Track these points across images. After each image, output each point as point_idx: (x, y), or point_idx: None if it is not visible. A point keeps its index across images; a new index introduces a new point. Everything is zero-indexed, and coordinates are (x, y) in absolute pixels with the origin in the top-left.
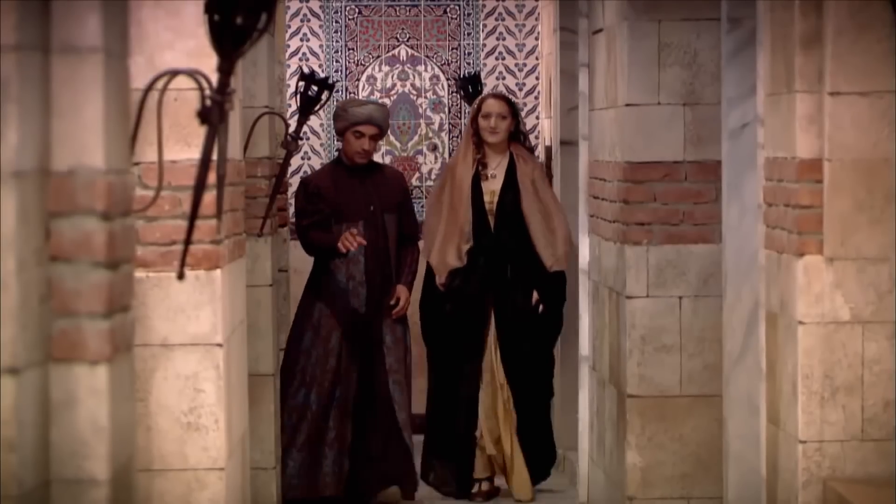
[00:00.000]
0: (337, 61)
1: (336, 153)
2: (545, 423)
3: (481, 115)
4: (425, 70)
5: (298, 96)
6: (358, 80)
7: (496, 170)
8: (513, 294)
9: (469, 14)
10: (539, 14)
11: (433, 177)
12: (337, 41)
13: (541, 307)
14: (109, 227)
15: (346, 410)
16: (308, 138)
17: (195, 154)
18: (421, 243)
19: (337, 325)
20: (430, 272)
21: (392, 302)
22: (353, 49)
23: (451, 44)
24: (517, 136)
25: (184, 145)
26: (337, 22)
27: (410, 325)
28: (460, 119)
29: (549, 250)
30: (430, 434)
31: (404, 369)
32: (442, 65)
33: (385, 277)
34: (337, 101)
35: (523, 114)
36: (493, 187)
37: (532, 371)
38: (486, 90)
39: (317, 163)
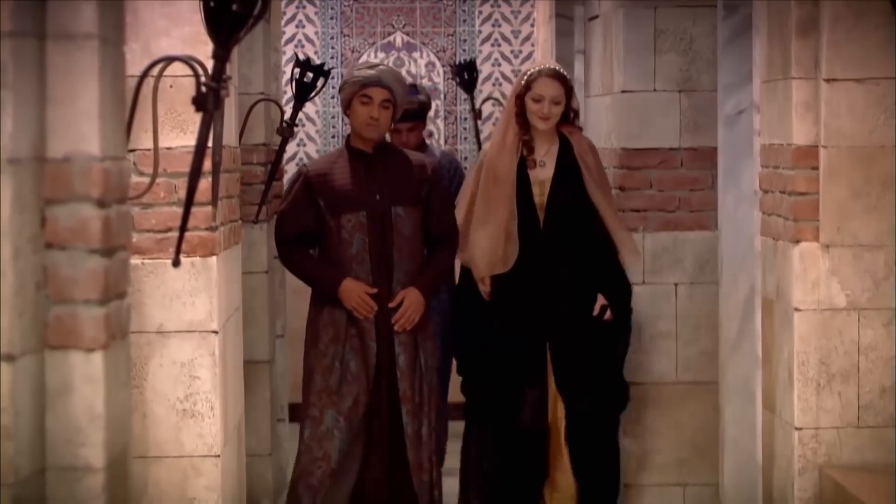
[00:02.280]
0: (332, 48)
1: (346, 139)
2: (612, 461)
3: (531, 97)
4: (421, 57)
5: (294, 83)
6: None
7: (545, 156)
8: (571, 303)
9: (465, 1)
10: (535, 1)
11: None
12: (332, 28)
13: (607, 313)
14: (105, 214)
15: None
16: (304, 125)
17: (191, 141)
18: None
19: (339, 342)
20: (463, 283)
21: (391, 305)
22: (348, 36)
23: (447, 30)
24: (567, 115)
25: (179, 132)
26: (332, 9)
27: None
28: (456, 106)
29: (629, 245)
30: (468, 484)
31: (421, 397)
32: (437, 52)
33: (391, 279)
34: (334, 87)
35: None
36: (542, 177)
37: (599, 401)
38: (481, 77)
39: (312, 150)
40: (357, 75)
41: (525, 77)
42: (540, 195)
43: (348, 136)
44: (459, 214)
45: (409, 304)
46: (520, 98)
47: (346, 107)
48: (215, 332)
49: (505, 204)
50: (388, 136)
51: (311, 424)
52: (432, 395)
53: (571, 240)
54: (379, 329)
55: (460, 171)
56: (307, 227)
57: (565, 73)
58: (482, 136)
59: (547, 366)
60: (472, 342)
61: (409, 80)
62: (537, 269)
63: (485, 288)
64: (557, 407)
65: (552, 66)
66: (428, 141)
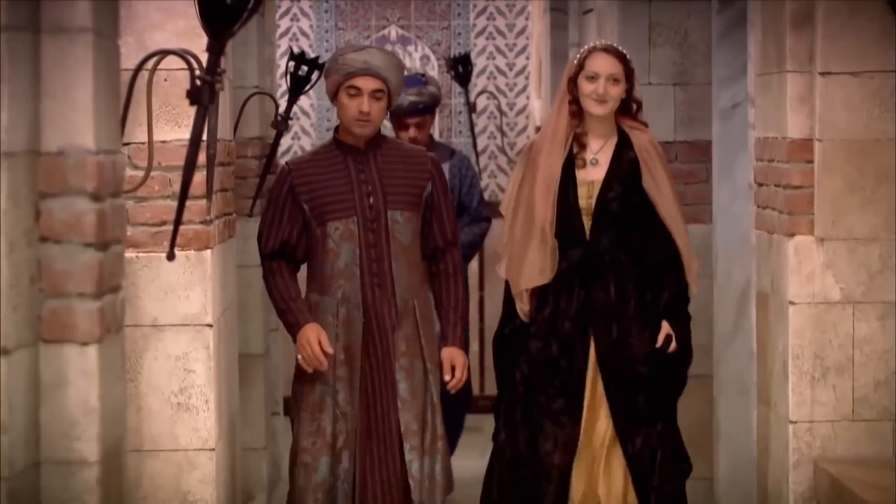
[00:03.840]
0: (327, 41)
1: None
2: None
3: (585, 76)
4: (416, 50)
5: (288, 76)
6: None
7: (599, 153)
8: (620, 325)
9: None
10: None
11: None
12: (327, 21)
13: (672, 345)
14: (99, 207)
15: (348, 491)
16: (298, 119)
17: (185, 134)
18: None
19: (327, 373)
20: (508, 297)
21: (448, 378)
22: (343, 29)
23: (442, 24)
24: (628, 106)
25: (174, 125)
26: (327, 2)
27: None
28: (451, 99)
29: (694, 271)
30: None
31: (433, 434)
32: (432, 45)
33: (388, 297)
34: None
35: (513, 94)
36: (592, 177)
37: (657, 445)
38: (475, 71)
39: (307, 143)
40: (341, 62)
41: (579, 57)
42: (587, 197)
43: (336, 127)
44: (506, 217)
45: (462, 370)
46: (572, 81)
47: (333, 97)
48: (210, 326)
49: (543, 207)
50: (391, 131)
51: (303, 473)
52: (441, 427)
53: (623, 253)
54: (373, 357)
55: (473, 174)
56: (290, 239)
57: (624, 51)
58: (476, 130)
59: (584, 398)
60: (508, 367)
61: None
62: (581, 286)
63: (522, 306)
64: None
65: (609, 42)
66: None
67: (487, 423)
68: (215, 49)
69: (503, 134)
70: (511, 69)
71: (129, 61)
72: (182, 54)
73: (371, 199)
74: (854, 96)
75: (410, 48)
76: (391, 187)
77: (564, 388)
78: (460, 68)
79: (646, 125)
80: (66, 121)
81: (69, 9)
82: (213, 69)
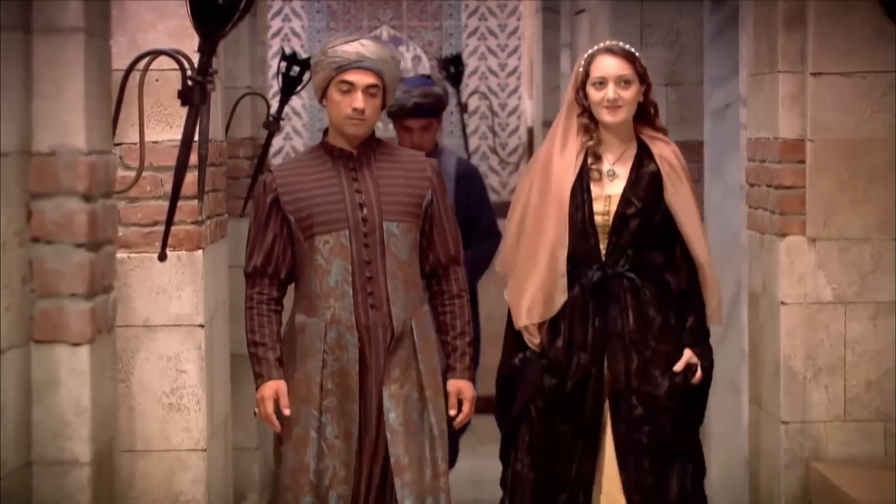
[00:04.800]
0: (319, 42)
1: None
2: None
3: (592, 83)
4: (407, 51)
5: (280, 77)
6: None
7: (616, 164)
8: (640, 356)
9: None
10: None
11: None
12: (319, 22)
13: (697, 375)
14: (91, 207)
15: None
16: (290, 119)
17: (177, 135)
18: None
19: (312, 402)
20: (509, 325)
21: (452, 412)
22: (335, 29)
23: (433, 24)
24: (646, 112)
25: (165, 126)
26: (319, 2)
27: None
28: None
29: (716, 295)
30: None
31: (420, 466)
32: (424, 45)
33: (383, 318)
34: None
35: (505, 94)
36: (609, 191)
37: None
38: (467, 71)
39: (299, 144)
40: (332, 55)
41: (583, 61)
42: (604, 214)
43: (325, 130)
44: (508, 236)
45: (470, 405)
46: (579, 91)
47: (322, 95)
48: (201, 326)
49: (553, 226)
50: (392, 133)
51: None
52: (444, 462)
53: (642, 275)
54: (368, 385)
55: (481, 185)
56: (275, 256)
57: (635, 50)
58: (468, 130)
59: (600, 437)
60: (503, 404)
61: (408, 69)
62: (596, 312)
63: (532, 338)
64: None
65: (614, 42)
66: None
67: (478, 422)
68: (207, 49)
69: (495, 135)
70: (503, 70)
71: (120, 61)
72: (174, 55)
73: (364, 210)
74: (846, 96)
75: (402, 48)
76: (387, 196)
77: (581, 429)
78: (452, 69)
79: (666, 132)
80: (58, 121)
81: (61, 9)
82: (204, 69)
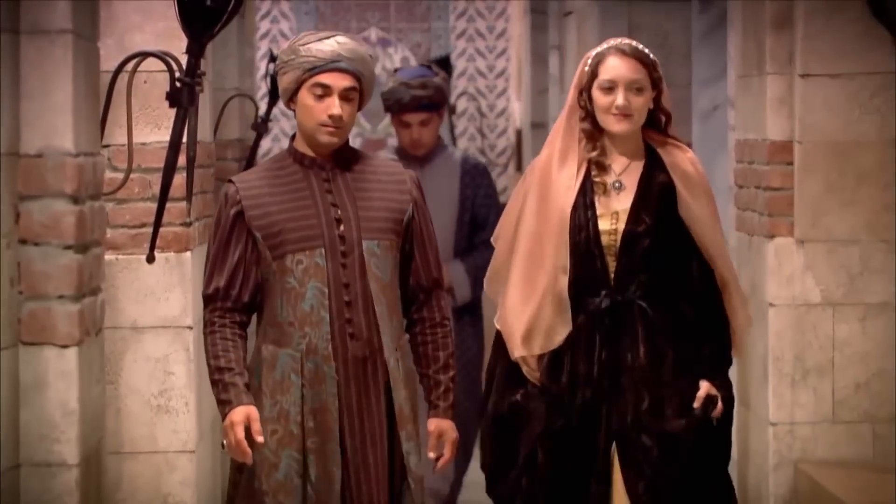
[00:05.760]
0: None
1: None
2: None
3: (599, 86)
4: (395, 52)
5: (268, 79)
6: None
7: (623, 175)
8: (652, 394)
9: None
10: None
11: None
12: (307, 23)
13: (718, 407)
14: (79, 209)
15: None
16: (278, 121)
17: (165, 136)
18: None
19: (292, 443)
20: (498, 351)
21: (432, 454)
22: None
23: (422, 26)
24: (656, 119)
25: (153, 127)
26: (307, 4)
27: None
28: None
29: (744, 312)
30: None
31: None
32: (412, 47)
33: (368, 348)
34: None
35: (493, 96)
36: (616, 207)
37: None
38: (455, 73)
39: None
40: (304, 54)
41: (589, 60)
42: (610, 233)
43: (292, 137)
44: (499, 253)
45: (453, 448)
46: (583, 94)
47: (289, 98)
48: (190, 328)
49: (553, 247)
50: (381, 132)
51: None
52: None
53: (657, 302)
54: (351, 422)
55: (489, 183)
56: (240, 277)
57: (650, 53)
58: (456, 132)
59: (611, 482)
60: (502, 447)
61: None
62: (604, 344)
63: (531, 371)
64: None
65: (627, 41)
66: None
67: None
68: (195, 51)
69: (483, 136)
70: (491, 71)
71: (108, 63)
72: (162, 56)
73: (341, 227)
74: (834, 98)
75: (391, 50)
76: (365, 211)
77: (591, 472)
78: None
79: (678, 140)
80: (46, 122)
81: (48, 10)
82: (192, 71)
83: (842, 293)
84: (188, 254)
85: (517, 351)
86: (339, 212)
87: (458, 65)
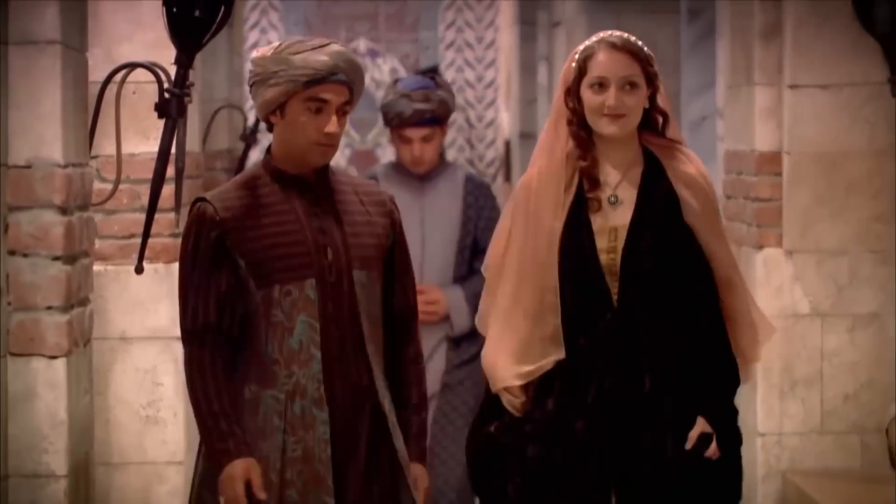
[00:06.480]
0: None
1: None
2: None
3: (589, 84)
4: (384, 62)
5: None
6: None
7: (620, 188)
8: (652, 431)
9: (428, 7)
10: (498, 7)
11: None
12: (296, 34)
13: (711, 447)
14: (67, 220)
15: None
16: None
17: (154, 147)
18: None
19: (272, 482)
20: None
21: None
22: None
23: (411, 36)
24: (652, 120)
25: (142, 138)
26: (296, 14)
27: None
28: None
29: (765, 328)
30: None
31: None
32: (401, 57)
33: (359, 385)
34: None
35: (482, 106)
36: (614, 222)
37: None
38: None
39: None
40: (300, 64)
41: (576, 56)
42: (610, 252)
43: (268, 150)
44: (489, 285)
45: (426, 495)
46: (570, 97)
47: (271, 111)
48: (178, 339)
49: (542, 268)
50: (384, 146)
51: None
52: None
53: (664, 324)
54: (345, 470)
55: (492, 205)
56: (228, 309)
57: (644, 46)
58: (445, 142)
59: None
60: (497, 478)
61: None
62: (605, 373)
63: (513, 399)
64: None
65: (619, 33)
66: (391, 146)
67: None
68: (184, 62)
69: (472, 147)
70: (480, 81)
71: (97, 73)
72: (151, 67)
73: (330, 255)
74: (822, 108)
75: (379, 60)
76: (354, 237)
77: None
78: None
79: (678, 142)
80: (34, 133)
81: (37, 20)
82: (181, 82)
83: (830, 304)
84: (177, 265)
85: (500, 382)
86: (327, 238)
87: (447, 75)
